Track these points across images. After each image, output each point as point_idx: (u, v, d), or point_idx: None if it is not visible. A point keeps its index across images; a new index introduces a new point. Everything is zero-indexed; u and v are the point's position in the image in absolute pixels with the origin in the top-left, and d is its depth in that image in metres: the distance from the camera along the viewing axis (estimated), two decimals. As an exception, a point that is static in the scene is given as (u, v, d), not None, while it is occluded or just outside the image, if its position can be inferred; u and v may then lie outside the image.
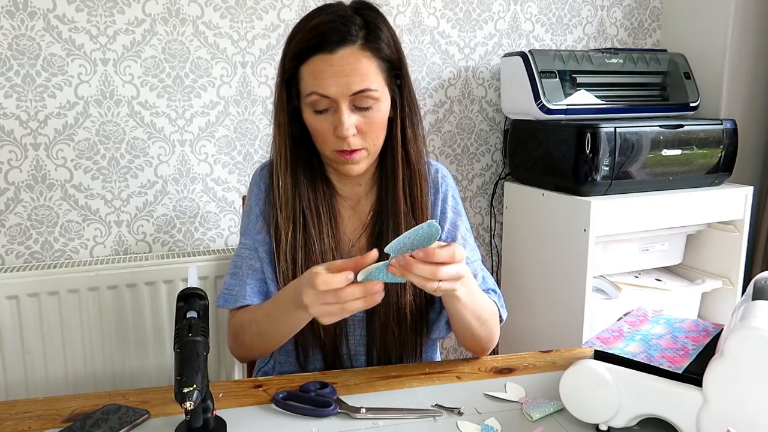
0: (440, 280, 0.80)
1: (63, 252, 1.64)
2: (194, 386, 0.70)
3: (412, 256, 0.80)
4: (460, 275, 0.82)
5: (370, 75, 0.92)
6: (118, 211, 1.67)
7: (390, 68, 0.97)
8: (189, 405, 0.70)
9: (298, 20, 0.99)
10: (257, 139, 1.75)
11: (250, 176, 1.19)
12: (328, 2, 0.99)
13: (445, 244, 0.82)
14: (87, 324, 1.55)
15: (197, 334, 0.76)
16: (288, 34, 0.98)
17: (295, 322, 0.93)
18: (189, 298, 0.82)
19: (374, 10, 0.96)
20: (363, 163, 0.98)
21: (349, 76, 0.91)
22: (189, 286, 0.83)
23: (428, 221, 0.77)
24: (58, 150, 1.59)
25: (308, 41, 0.92)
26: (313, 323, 1.00)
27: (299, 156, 1.02)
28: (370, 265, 0.81)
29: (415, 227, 0.77)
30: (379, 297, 0.81)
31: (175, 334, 0.75)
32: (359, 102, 0.93)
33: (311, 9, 0.99)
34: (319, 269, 0.81)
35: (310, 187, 1.02)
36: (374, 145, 0.98)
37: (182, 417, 0.82)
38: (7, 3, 1.50)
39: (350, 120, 0.92)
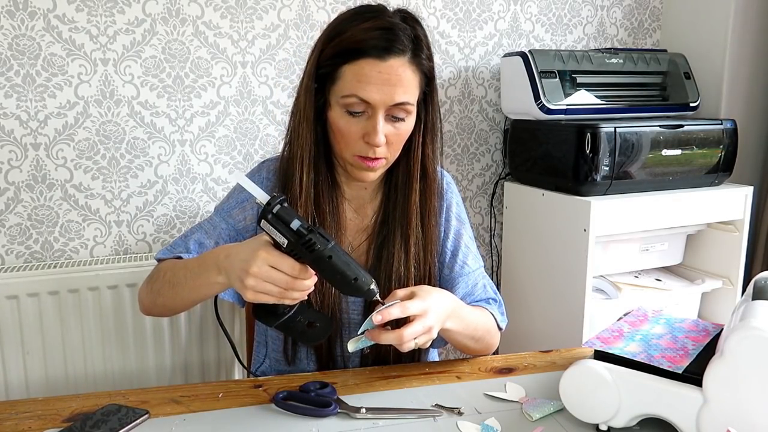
0: (414, 339, 0.84)
1: (63, 252, 1.64)
2: (372, 279, 0.79)
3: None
4: (428, 327, 0.85)
5: (411, 88, 0.93)
6: (118, 211, 1.67)
7: (425, 84, 0.97)
8: (378, 297, 0.80)
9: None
10: (257, 139, 1.75)
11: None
12: (367, 3, 0.97)
13: (395, 303, 0.85)
14: (87, 324, 1.55)
15: (329, 238, 0.78)
16: (327, 29, 0.96)
17: (205, 288, 0.90)
18: (279, 215, 0.77)
19: (419, 24, 0.96)
20: (379, 171, 0.98)
21: (394, 86, 0.90)
22: (257, 198, 0.79)
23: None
24: (58, 150, 1.59)
25: (359, 42, 0.90)
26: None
27: (321, 152, 1.00)
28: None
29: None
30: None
31: (305, 245, 0.76)
32: (395, 113, 0.93)
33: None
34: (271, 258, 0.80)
35: (325, 184, 1.02)
36: (394, 156, 0.98)
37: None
38: (7, 3, 1.49)
39: (384, 129, 0.92)
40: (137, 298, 1.06)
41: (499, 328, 1.07)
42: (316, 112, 0.97)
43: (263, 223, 0.78)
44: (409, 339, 0.83)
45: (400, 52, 0.90)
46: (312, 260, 0.78)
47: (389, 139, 0.94)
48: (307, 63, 0.97)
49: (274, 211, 0.77)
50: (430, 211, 1.04)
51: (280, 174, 1.04)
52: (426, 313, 0.85)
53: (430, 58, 0.96)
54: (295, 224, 0.77)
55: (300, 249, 0.77)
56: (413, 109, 0.95)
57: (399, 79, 0.90)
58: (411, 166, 1.01)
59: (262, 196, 0.79)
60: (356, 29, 0.91)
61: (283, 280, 0.79)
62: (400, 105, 0.92)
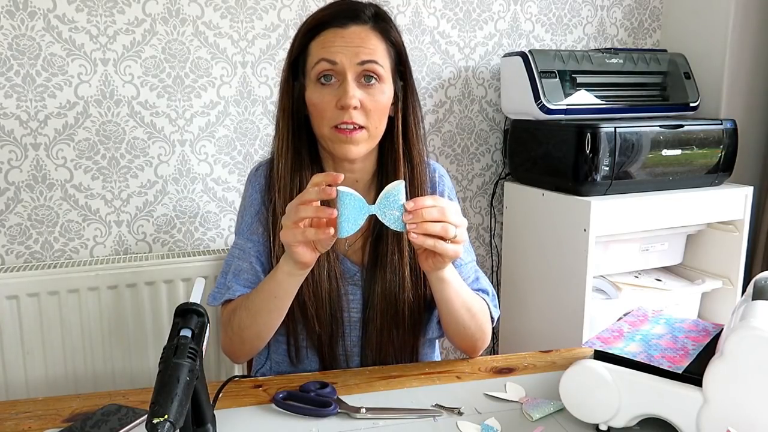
0: (454, 225, 0.82)
1: (63, 252, 1.64)
2: (166, 416, 0.61)
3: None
4: (465, 222, 0.86)
5: (378, 52, 0.96)
6: (118, 211, 1.67)
7: (396, 57, 0.99)
8: None
9: (298, 20, 1.01)
10: (257, 139, 1.75)
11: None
12: None
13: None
14: (87, 324, 1.55)
15: (183, 357, 0.68)
16: (295, 31, 1.01)
17: (278, 287, 0.91)
18: (186, 314, 0.76)
19: (382, 9, 1.00)
20: (362, 145, 0.97)
21: (358, 47, 0.94)
22: (190, 300, 0.78)
23: (394, 181, 0.82)
24: (58, 150, 1.59)
25: (321, 18, 0.96)
26: (309, 325, 1.00)
27: (302, 142, 1.02)
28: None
29: (388, 189, 0.81)
30: (330, 231, 0.81)
31: (162, 354, 0.70)
32: (365, 73, 0.94)
33: (312, 9, 1.01)
34: None
35: (310, 174, 1.01)
36: (376, 128, 0.97)
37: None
38: (7, 3, 1.49)
39: (355, 91, 0.93)
40: (222, 351, 1.05)
41: (492, 319, 1.07)
42: (295, 102, 1.00)
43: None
44: (450, 219, 0.82)
45: (362, 21, 0.96)
46: None
47: (364, 104, 0.94)
48: (285, 58, 1.02)
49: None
50: (419, 195, 1.03)
51: (266, 172, 1.06)
52: (458, 210, 0.86)
53: (398, 34, 1.00)
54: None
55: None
56: (384, 74, 0.96)
57: (362, 41, 0.94)
58: (396, 152, 1.02)
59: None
60: (319, 11, 0.98)
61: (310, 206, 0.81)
62: (367, 64, 0.94)
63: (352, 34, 0.94)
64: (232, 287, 1.00)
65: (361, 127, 0.95)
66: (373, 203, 0.82)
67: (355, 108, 0.93)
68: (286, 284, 0.91)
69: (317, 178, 0.82)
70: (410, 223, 0.81)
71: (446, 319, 1.00)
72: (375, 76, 0.95)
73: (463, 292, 0.98)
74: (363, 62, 0.93)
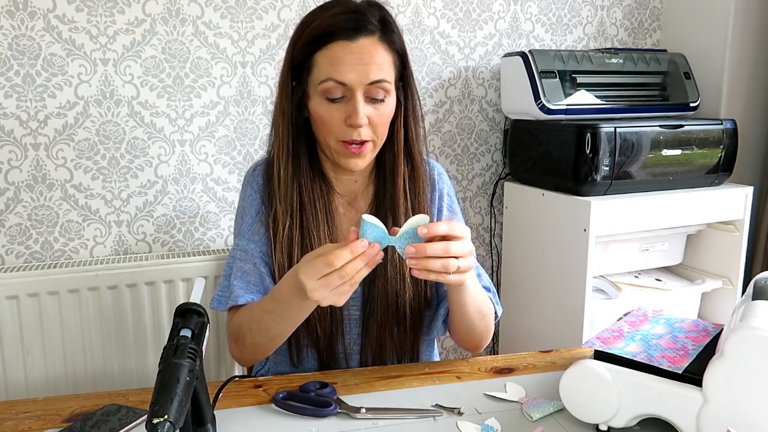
0: (457, 258, 0.80)
1: (63, 252, 1.64)
2: (166, 417, 0.62)
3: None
4: (473, 250, 0.83)
5: (386, 67, 0.94)
6: (118, 211, 1.67)
7: (400, 64, 0.98)
8: None
9: (298, 20, 0.99)
10: (257, 139, 1.75)
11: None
12: None
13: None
14: (87, 324, 1.55)
15: (182, 357, 0.69)
16: (298, 26, 0.99)
17: (302, 312, 0.89)
18: (186, 314, 0.76)
19: (385, 8, 0.98)
20: (368, 157, 0.98)
21: (368, 65, 0.92)
22: (190, 300, 0.78)
23: (419, 214, 0.81)
24: (58, 150, 1.59)
25: (327, 27, 0.93)
26: (309, 324, 1.00)
27: (301, 145, 1.01)
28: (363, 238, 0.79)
29: (410, 223, 0.80)
30: (380, 257, 0.80)
31: (162, 354, 0.70)
32: (373, 93, 0.94)
33: (311, 9, 0.99)
34: (311, 256, 0.80)
35: (310, 179, 1.02)
36: (380, 139, 0.98)
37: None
38: (7, 3, 1.49)
39: (364, 110, 0.93)
40: (232, 357, 1.04)
41: (496, 316, 1.07)
42: (296, 107, 0.99)
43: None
44: (456, 252, 0.80)
45: (369, 32, 0.93)
46: None
47: (372, 120, 0.94)
48: (284, 60, 1.00)
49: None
50: (419, 195, 1.03)
51: (264, 173, 1.05)
52: (468, 237, 0.83)
53: (401, 40, 0.98)
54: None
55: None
56: (391, 89, 0.96)
57: (372, 57, 0.92)
58: (396, 151, 1.02)
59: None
60: (323, 17, 0.94)
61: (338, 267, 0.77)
62: (377, 84, 0.93)
63: (361, 48, 0.92)
64: (235, 291, 1.00)
65: (368, 141, 0.96)
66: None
67: (365, 125, 0.94)
68: (309, 310, 0.89)
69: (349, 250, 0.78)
70: (410, 259, 0.80)
71: (457, 321, 1.00)
72: (383, 92, 0.94)
73: (477, 296, 0.97)
74: (372, 82, 0.92)
